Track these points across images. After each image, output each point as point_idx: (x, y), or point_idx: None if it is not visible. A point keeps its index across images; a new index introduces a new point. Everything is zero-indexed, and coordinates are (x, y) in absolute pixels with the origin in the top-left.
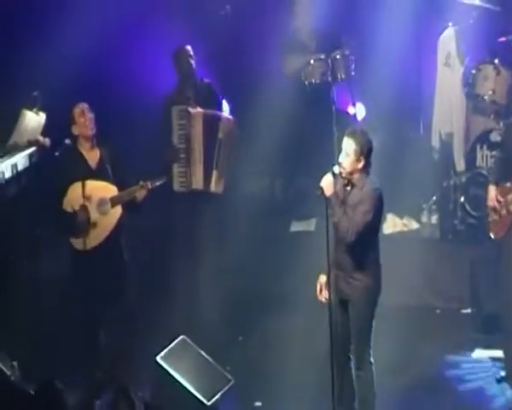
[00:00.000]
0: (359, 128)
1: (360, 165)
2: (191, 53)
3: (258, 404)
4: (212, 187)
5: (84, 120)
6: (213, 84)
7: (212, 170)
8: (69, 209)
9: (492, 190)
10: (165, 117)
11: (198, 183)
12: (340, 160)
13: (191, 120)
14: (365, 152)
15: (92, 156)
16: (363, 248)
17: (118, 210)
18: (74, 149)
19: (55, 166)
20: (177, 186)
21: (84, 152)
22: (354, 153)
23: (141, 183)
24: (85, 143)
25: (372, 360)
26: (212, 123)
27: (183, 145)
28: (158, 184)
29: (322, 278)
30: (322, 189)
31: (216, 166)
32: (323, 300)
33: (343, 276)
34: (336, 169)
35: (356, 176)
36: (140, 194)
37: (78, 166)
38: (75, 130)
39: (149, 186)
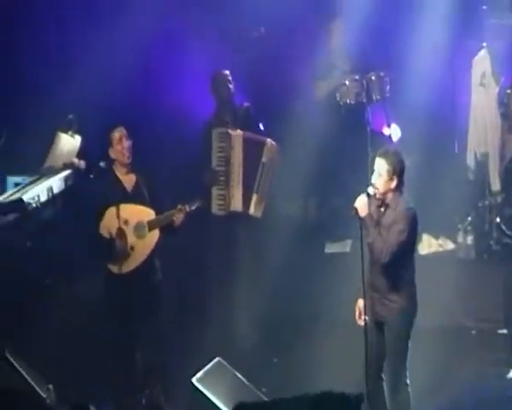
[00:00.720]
0: (391, 148)
1: (393, 185)
2: (229, 77)
3: None
4: (252, 210)
5: (122, 147)
6: (251, 108)
7: (252, 193)
8: (106, 234)
9: None
10: (205, 141)
11: (237, 205)
12: (373, 180)
13: (231, 141)
14: (398, 172)
15: (128, 180)
16: (398, 268)
17: (155, 234)
18: (111, 172)
19: (92, 189)
20: (215, 209)
21: (120, 176)
22: (387, 173)
23: (179, 206)
24: (122, 167)
25: (408, 381)
26: (253, 146)
27: (223, 168)
28: (195, 207)
29: (361, 303)
30: (356, 209)
31: (257, 189)
32: (362, 324)
33: (378, 298)
34: (370, 190)
35: (389, 196)
36: (178, 217)
37: (114, 190)
38: (112, 153)
39: (187, 209)
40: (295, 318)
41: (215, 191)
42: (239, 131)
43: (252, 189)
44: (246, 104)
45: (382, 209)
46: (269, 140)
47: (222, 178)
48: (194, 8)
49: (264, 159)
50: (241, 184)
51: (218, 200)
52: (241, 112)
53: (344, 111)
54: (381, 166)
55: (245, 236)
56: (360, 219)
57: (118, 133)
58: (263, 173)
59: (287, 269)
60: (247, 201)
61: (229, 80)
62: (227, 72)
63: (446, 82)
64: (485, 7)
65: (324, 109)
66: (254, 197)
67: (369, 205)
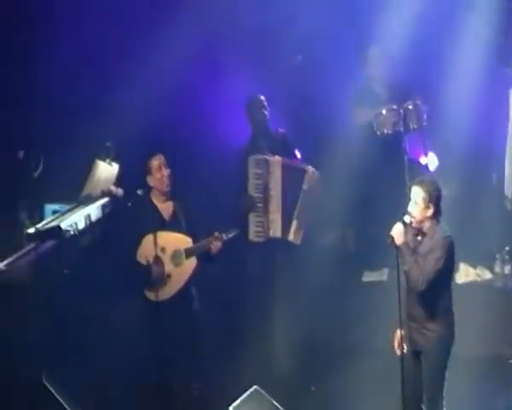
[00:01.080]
0: (428, 177)
1: (429, 213)
2: (264, 103)
3: None
4: (291, 237)
5: (161, 175)
6: (287, 135)
7: (292, 219)
8: (143, 261)
9: None
10: (241, 167)
11: (276, 231)
12: (410, 209)
13: (270, 167)
14: (434, 199)
15: (165, 208)
16: (435, 297)
17: (192, 261)
18: (148, 200)
19: (129, 217)
20: (252, 236)
21: (157, 204)
22: (423, 201)
23: (216, 234)
24: (160, 195)
25: None
26: (293, 172)
27: (261, 194)
28: (232, 235)
29: (398, 333)
30: (392, 238)
31: (297, 216)
32: (400, 353)
33: (416, 327)
34: (406, 218)
35: (426, 224)
36: (215, 245)
37: (151, 217)
38: (150, 181)
39: (224, 238)
40: (333, 346)
41: (252, 218)
42: (277, 157)
43: (292, 215)
44: (281, 130)
45: (419, 238)
46: (310, 167)
47: (259, 205)
48: (232, 36)
49: (305, 186)
50: (280, 211)
51: (255, 227)
52: (277, 138)
53: (381, 140)
54: (417, 195)
55: (283, 263)
56: (396, 247)
57: (157, 161)
58: (303, 200)
59: (324, 297)
60: (286, 227)
61: (264, 106)
62: (262, 97)
63: (484, 111)
64: None
65: (362, 138)
66: (294, 224)
67: (406, 233)
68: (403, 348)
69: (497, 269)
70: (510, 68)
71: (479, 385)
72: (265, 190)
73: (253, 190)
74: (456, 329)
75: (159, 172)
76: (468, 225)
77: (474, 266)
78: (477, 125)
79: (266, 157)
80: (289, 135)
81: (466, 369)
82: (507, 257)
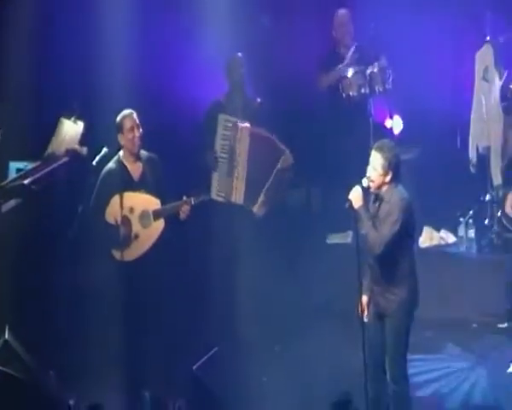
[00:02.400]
0: (387, 142)
1: (388, 178)
2: (242, 62)
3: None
4: (255, 209)
5: (133, 136)
6: (264, 106)
7: (259, 193)
8: (112, 221)
9: None
10: (210, 122)
11: (238, 198)
12: (368, 174)
13: (238, 133)
14: (392, 166)
15: (135, 168)
16: (395, 260)
17: (160, 223)
18: (117, 159)
19: (98, 177)
20: (214, 195)
21: (127, 164)
22: (381, 167)
23: (184, 198)
24: (129, 156)
25: (407, 374)
26: (263, 144)
27: (226, 155)
28: (201, 200)
29: (364, 299)
30: (350, 201)
31: (265, 192)
32: (365, 320)
33: (379, 290)
34: (364, 182)
35: (384, 189)
36: (184, 210)
37: (120, 177)
38: (121, 140)
39: (192, 202)
40: (297, 307)
41: (215, 177)
42: (247, 125)
43: (260, 188)
44: (259, 100)
45: (377, 204)
46: (288, 152)
47: (224, 166)
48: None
49: (279, 165)
50: (245, 179)
51: (218, 185)
52: (253, 105)
53: (347, 103)
54: (376, 160)
55: (247, 226)
56: (354, 210)
57: (129, 122)
58: (275, 179)
59: (289, 258)
60: (252, 198)
61: (241, 65)
62: (240, 55)
63: (449, 76)
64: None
65: (328, 101)
66: (261, 197)
67: (364, 197)
68: (363, 314)
69: (461, 233)
70: (477, 31)
71: (442, 349)
72: (232, 153)
73: (219, 148)
74: (420, 293)
75: (130, 133)
76: (432, 188)
77: (438, 230)
78: (442, 89)
79: (237, 121)
80: (265, 106)
81: (429, 332)
82: (471, 221)
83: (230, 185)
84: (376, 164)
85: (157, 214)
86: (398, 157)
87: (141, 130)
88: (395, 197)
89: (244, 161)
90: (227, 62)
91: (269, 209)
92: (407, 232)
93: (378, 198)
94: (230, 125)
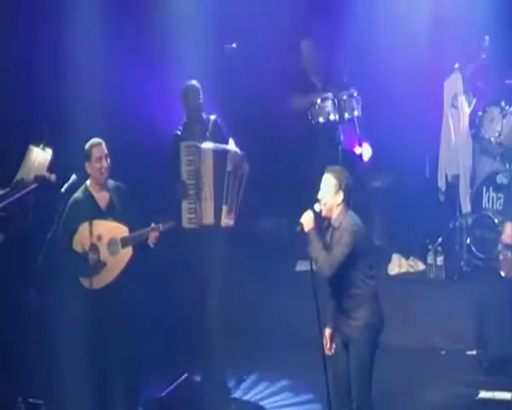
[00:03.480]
0: (337, 166)
1: (339, 199)
2: (199, 89)
3: None
4: (223, 221)
5: (101, 166)
6: (220, 121)
7: (221, 205)
8: (79, 249)
9: (509, 227)
10: (172, 153)
11: (208, 218)
12: (320, 196)
13: (201, 155)
14: (343, 186)
15: (102, 197)
16: (352, 284)
17: (128, 251)
18: (84, 188)
19: (65, 206)
20: (185, 223)
21: (94, 193)
22: (333, 187)
23: (152, 225)
24: (96, 185)
25: (372, 400)
26: (220, 157)
27: (193, 181)
28: (169, 226)
29: (327, 332)
30: (301, 225)
31: (225, 200)
32: (330, 353)
33: (342, 318)
34: (316, 206)
35: (334, 215)
36: (152, 236)
37: (87, 206)
38: (88, 168)
39: (161, 229)
40: (265, 333)
41: (185, 205)
42: (208, 144)
43: (221, 200)
44: (213, 117)
45: (329, 231)
46: (232, 148)
47: (192, 192)
48: (165, 22)
49: (228, 168)
50: (213, 198)
51: (188, 213)
52: (209, 125)
53: (316, 130)
54: (327, 181)
55: (217, 250)
56: (305, 234)
57: (98, 151)
58: (229, 183)
59: (258, 286)
60: (218, 213)
61: (198, 91)
62: (197, 84)
63: (418, 103)
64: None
65: (297, 127)
66: (224, 209)
67: (315, 221)
68: (326, 347)
69: (430, 260)
70: (446, 59)
71: (411, 376)
72: (197, 177)
73: (185, 176)
74: (389, 320)
75: (98, 163)
76: (401, 216)
77: (407, 257)
78: (411, 117)
79: (197, 144)
80: (221, 121)
81: (398, 360)
82: (440, 248)
83: (200, 209)
84: (327, 185)
85: (125, 242)
86: (349, 179)
87: (108, 160)
88: (345, 222)
89: (210, 180)
90: (182, 90)
91: (235, 217)
92: (359, 255)
93: (329, 226)
94: (192, 149)
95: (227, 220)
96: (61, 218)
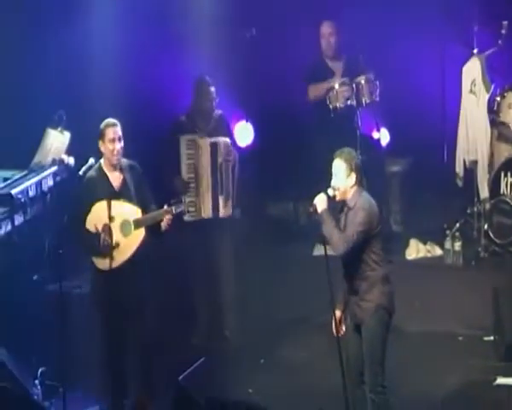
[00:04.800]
0: (346, 148)
1: (351, 182)
2: (211, 85)
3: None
4: (221, 213)
5: (113, 148)
6: (225, 116)
7: (217, 196)
8: (93, 229)
9: None
10: (172, 140)
11: (207, 212)
12: (333, 183)
13: (200, 149)
14: (354, 167)
15: (115, 178)
16: (364, 264)
17: (141, 232)
18: (99, 168)
19: (80, 185)
20: (187, 216)
21: (107, 172)
22: (344, 171)
23: (165, 207)
24: (109, 165)
25: (385, 383)
26: (215, 149)
27: (192, 175)
28: (181, 209)
29: (338, 313)
30: (314, 206)
31: (221, 191)
32: (340, 335)
33: (355, 300)
34: (330, 191)
35: (350, 194)
36: (165, 219)
37: (101, 186)
38: (102, 147)
39: (173, 212)
40: (283, 321)
41: (185, 198)
42: (207, 139)
43: (217, 193)
44: (218, 111)
45: (344, 212)
46: (221, 139)
47: (192, 185)
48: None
49: (219, 159)
50: (210, 192)
51: (189, 207)
52: (214, 119)
53: (334, 115)
54: (337, 166)
55: (230, 238)
56: (318, 214)
57: (112, 132)
58: (222, 173)
59: (274, 271)
60: (216, 206)
61: (210, 88)
62: (209, 80)
63: (436, 89)
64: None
65: (315, 113)
66: (220, 199)
67: (328, 202)
68: (338, 329)
69: (448, 245)
70: (464, 45)
71: (428, 362)
72: (196, 171)
73: (185, 170)
74: (406, 305)
75: (111, 144)
76: (419, 201)
77: (425, 242)
78: (429, 102)
79: (196, 138)
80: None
81: (415, 345)
82: (457, 234)
83: (199, 202)
84: (338, 169)
85: (138, 224)
86: (358, 160)
87: (122, 142)
88: (360, 203)
89: (208, 175)
90: (196, 84)
91: (233, 207)
92: (373, 236)
93: (344, 206)
94: (192, 143)
95: (225, 211)
96: (76, 198)
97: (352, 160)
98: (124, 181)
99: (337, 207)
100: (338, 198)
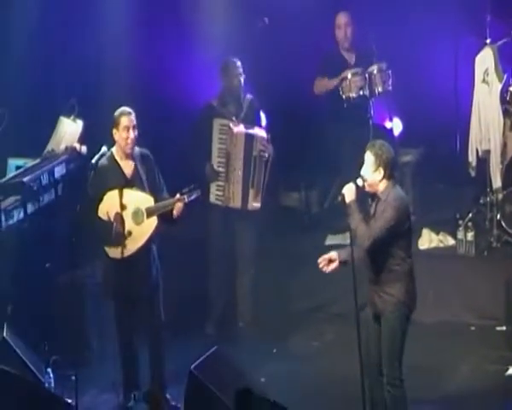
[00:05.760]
0: (379, 141)
1: (380, 176)
2: (240, 68)
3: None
4: (250, 205)
5: (127, 137)
6: (255, 101)
7: (248, 189)
8: (105, 217)
9: None
10: (205, 124)
11: (237, 202)
12: (362, 172)
13: (233, 138)
14: (384, 163)
15: (127, 166)
16: (389, 259)
17: (153, 221)
18: (111, 156)
19: (91, 173)
20: (213, 198)
21: (119, 160)
22: (372, 165)
23: (177, 196)
24: (122, 153)
25: (403, 376)
26: (249, 141)
27: (223, 159)
28: (194, 197)
29: (333, 255)
30: (343, 195)
31: (252, 184)
32: (325, 269)
33: (376, 290)
34: (359, 181)
35: (379, 188)
36: (177, 207)
37: (113, 174)
38: (115, 136)
39: (186, 200)
40: (294, 310)
41: (214, 183)
42: (241, 127)
43: (248, 184)
44: (249, 96)
45: (374, 204)
46: (258, 133)
47: (222, 170)
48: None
49: (254, 152)
50: (241, 183)
51: (216, 190)
52: (245, 104)
53: (347, 105)
54: (368, 158)
55: (245, 225)
56: (346, 205)
57: (127, 120)
58: (256, 167)
59: (287, 261)
60: (245, 197)
61: (240, 71)
62: (239, 62)
63: (449, 79)
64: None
65: (328, 103)
66: (251, 192)
67: (357, 193)
68: (358, 316)
69: (460, 235)
70: (477, 34)
71: (440, 352)
72: (227, 157)
73: (216, 153)
74: (418, 295)
75: (125, 132)
76: (432, 191)
77: (437, 232)
78: (442, 92)
79: (231, 124)
80: (257, 102)
81: (427, 335)
82: (470, 224)
83: (228, 191)
84: (367, 162)
85: (150, 212)
86: (389, 153)
87: (136, 132)
88: (390, 197)
89: (240, 165)
90: (223, 65)
91: (263, 201)
92: (401, 232)
93: (375, 199)
94: (226, 128)
95: (254, 204)
96: (88, 186)
97: (382, 154)
98: (136, 169)
99: (368, 197)
100: (367, 189)
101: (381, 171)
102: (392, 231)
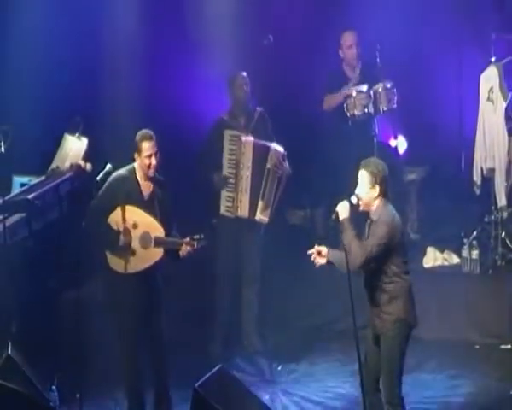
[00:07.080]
0: (373, 159)
1: (375, 193)
2: (247, 80)
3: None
4: (258, 216)
5: (150, 163)
6: (265, 114)
7: (257, 199)
8: (114, 226)
9: None
10: (216, 138)
11: (244, 211)
12: (356, 192)
13: (242, 147)
14: (379, 180)
15: (147, 186)
16: (387, 279)
17: (159, 252)
18: (132, 173)
19: (110, 179)
20: (223, 210)
21: (139, 179)
22: (368, 183)
23: (187, 239)
24: (142, 175)
25: (402, 395)
26: (261, 152)
27: (233, 170)
28: (202, 245)
29: (324, 250)
30: (337, 213)
31: (262, 196)
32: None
33: (375, 311)
34: (353, 199)
35: (374, 207)
36: (184, 249)
37: (131, 189)
38: (137, 160)
39: (195, 246)
40: (298, 327)
41: (224, 193)
42: (250, 137)
43: (258, 195)
44: (259, 109)
45: (368, 224)
46: (274, 146)
47: (231, 181)
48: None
49: (268, 165)
50: (249, 192)
51: (226, 202)
52: (255, 116)
53: (351, 123)
54: (362, 176)
55: (252, 239)
56: (339, 222)
57: (149, 147)
58: (268, 180)
59: (293, 279)
60: (253, 207)
61: (246, 83)
62: (244, 74)
63: (453, 97)
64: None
65: (333, 120)
66: (260, 204)
67: (350, 211)
68: (357, 336)
69: (465, 254)
70: (482, 52)
71: (445, 370)
72: (237, 167)
73: (226, 164)
74: (423, 313)
75: (148, 159)
76: (436, 209)
77: (442, 251)
78: (447, 110)
79: (241, 135)
80: (267, 115)
81: (432, 353)
82: (474, 242)
83: (236, 200)
84: (362, 180)
85: (158, 243)
86: (384, 172)
87: (158, 157)
88: (383, 217)
89: (248, 174)
90: (230, 79)
91: (271, 215)
92: (393, 247)
93: (368, 219)
94: (236, 139)
95: (262, 216)
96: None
97: (378, 172)
98: (153, 193)
99: (361, 217)
100: (361, 208)
101: (377, 188)
102: (385, 249)
